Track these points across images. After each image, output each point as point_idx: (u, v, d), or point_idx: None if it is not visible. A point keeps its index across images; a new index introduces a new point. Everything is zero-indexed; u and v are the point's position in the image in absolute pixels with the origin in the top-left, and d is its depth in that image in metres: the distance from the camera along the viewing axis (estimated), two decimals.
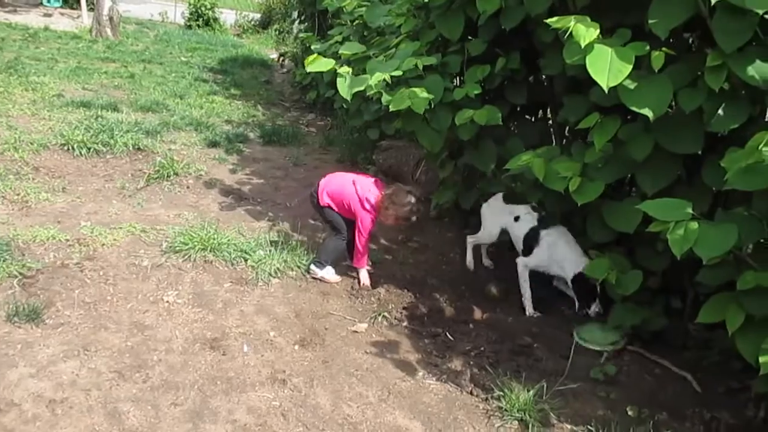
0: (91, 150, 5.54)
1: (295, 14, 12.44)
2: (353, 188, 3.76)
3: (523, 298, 3.81)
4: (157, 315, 3.21)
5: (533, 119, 4.61)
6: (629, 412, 2.84)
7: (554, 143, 4.13)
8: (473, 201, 4.55)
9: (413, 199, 3.69)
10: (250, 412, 2.59)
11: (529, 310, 3.77)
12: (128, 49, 11.93)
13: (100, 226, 4.06)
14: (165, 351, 2.92)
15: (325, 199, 3.84)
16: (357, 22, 6.12)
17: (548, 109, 4.46)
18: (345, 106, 6.71)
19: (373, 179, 3.88)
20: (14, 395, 2.48)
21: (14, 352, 2.74)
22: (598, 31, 2.55)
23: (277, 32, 17.16)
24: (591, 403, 2.92)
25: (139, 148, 5.75)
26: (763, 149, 1.99)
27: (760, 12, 2.26)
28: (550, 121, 4.39)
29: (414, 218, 3.74)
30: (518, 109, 4.44)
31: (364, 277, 3.88)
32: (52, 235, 3.80)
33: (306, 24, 10.65)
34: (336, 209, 3.84)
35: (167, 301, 3.34)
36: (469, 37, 4.18)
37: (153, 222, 4.28)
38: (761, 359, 2.23)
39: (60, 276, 3.40)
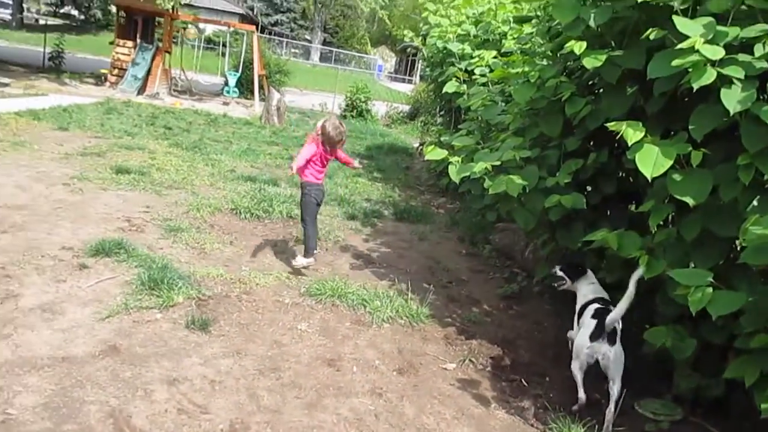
0: (254, 215, 6.80)
1: (437, 108, 13.68)
2: None
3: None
4: (291, 338, 4.11)
5: (625, 206, 5.15)
6: None
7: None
8: None
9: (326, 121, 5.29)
10: (352, 410, 3.36)
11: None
12: (290, 135, 13.71)
13: (256, 271, 5.13)
14: (294, 362, 3.79)
15: None
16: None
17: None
18: (471, 191, 7.53)
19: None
20: (188, 374, 3.45)
21: (189, 348, 3.74)
22: (643, 132, 3.20)
23: (422, 124, 18.59)
24: None
25: (291, 217, 6.93)
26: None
27: None
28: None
29: (328, 133, 5.24)
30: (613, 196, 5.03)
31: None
32: (220, 274, 4.90)
33: (445, 117, 11.76)
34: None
35: (300, 329, 4.24)
36: (569, 135, 4.91)
37: (296, 272, 5.29)
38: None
39: (224, 303, 4.44)
